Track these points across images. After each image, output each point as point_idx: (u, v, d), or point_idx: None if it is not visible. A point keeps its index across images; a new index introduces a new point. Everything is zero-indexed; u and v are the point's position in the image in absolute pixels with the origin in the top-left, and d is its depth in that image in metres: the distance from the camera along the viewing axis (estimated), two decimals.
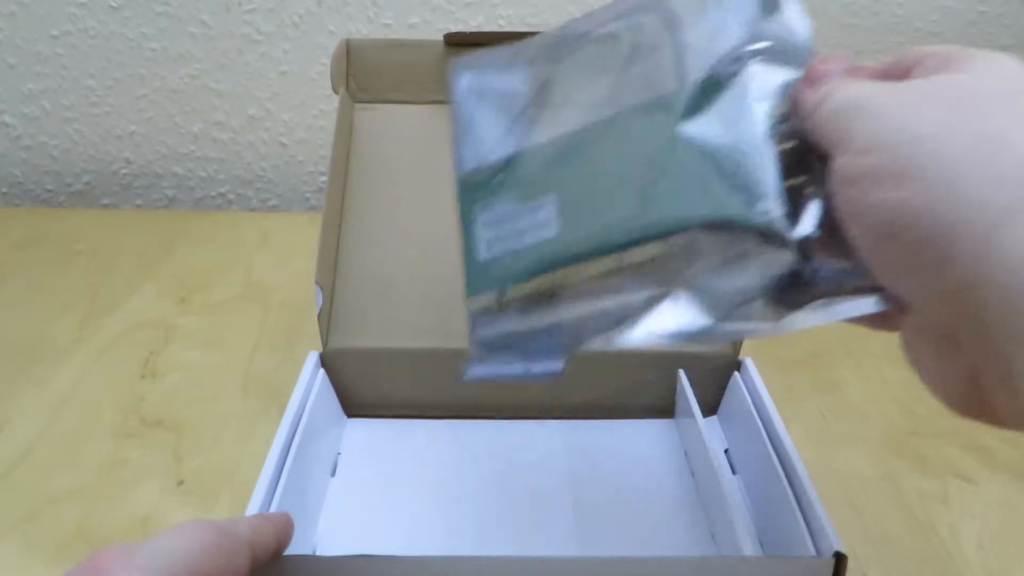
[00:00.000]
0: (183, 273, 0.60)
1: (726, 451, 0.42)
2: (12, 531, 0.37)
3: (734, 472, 0.41)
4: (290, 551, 0.27)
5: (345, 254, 0.44)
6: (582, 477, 0.40)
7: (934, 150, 0.19)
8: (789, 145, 0.24)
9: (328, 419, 0.42)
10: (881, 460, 0.43)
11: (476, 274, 0.29)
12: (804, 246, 0.23)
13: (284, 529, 0.26)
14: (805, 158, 0.24)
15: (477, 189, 0.29)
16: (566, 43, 0.29)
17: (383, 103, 0.47)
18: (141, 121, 0.72)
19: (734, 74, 0.25)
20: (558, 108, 0.28)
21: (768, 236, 0.23)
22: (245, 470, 0.41)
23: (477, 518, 0.37)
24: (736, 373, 0.42)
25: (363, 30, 0.67)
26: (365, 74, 0.47)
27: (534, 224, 0.27)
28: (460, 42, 0.46)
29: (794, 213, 0.23)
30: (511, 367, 0.28)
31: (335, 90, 0.46)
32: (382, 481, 0.40)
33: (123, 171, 0.75)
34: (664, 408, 0.44)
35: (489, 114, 0.30)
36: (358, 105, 0.47)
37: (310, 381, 0.40)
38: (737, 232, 0.24)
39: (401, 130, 0.47)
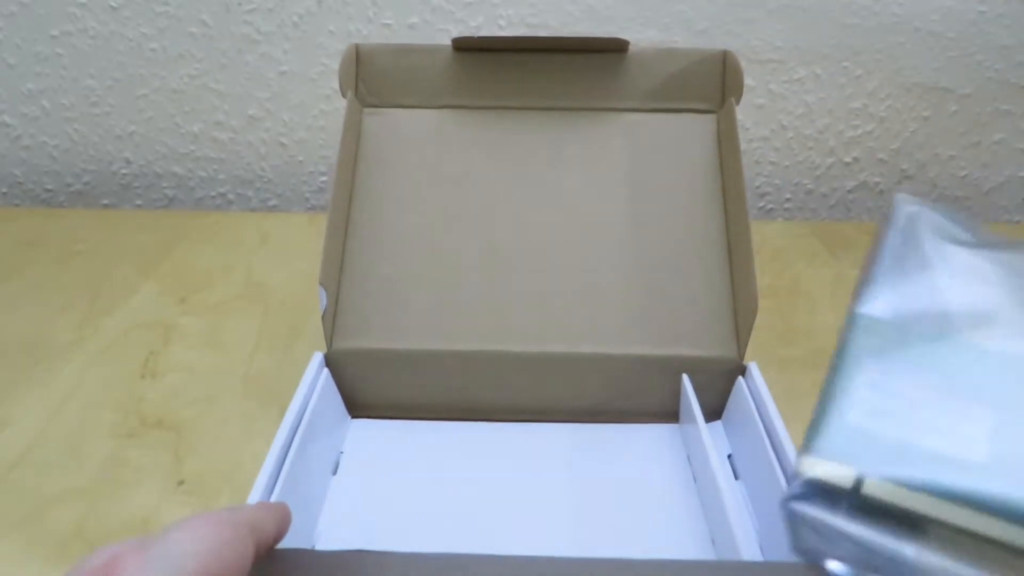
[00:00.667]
0: (183, 273, 0.60)
1: (729, 456, 0.42)
2: (12, 531, 0.37)
3: (737, 477, 0.41)
4: (288, 546, 0.27)
5: (351, 256, 0.44)
6: (584, 480, 0.40)
7: None
8: None
9: (331, 419, 0.42)
10: None
11: (834, 435, 0.24)
12: None
13: (283, 518, 0.26)
14: None
15: (876, 336, 0.25)
16: None
17: (391, 107, 0.47)
18: (141, 121, 0.72)
19: None
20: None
21: None
22: (245, 470, 0.41)
23: (478, 519, 0.37)
24: (740, 378, 0.42)
25: (363, 30, 0.67)
26: (374, 78, 0.47)
27: (951, 428, 0.22)
28: (468, 47, 0.46)
29: None
30: (830, 566, 0.23)
31: (343, 94, 0.46)
32: (384, 480, 0.40)
33: (123, 171, 0.75)
34: (668, 412, 0.44)
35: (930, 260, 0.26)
36: (366, 109, 0.47)
37: (314, 381, 0.40)
38: None
39: (409, 134, 0.47)
